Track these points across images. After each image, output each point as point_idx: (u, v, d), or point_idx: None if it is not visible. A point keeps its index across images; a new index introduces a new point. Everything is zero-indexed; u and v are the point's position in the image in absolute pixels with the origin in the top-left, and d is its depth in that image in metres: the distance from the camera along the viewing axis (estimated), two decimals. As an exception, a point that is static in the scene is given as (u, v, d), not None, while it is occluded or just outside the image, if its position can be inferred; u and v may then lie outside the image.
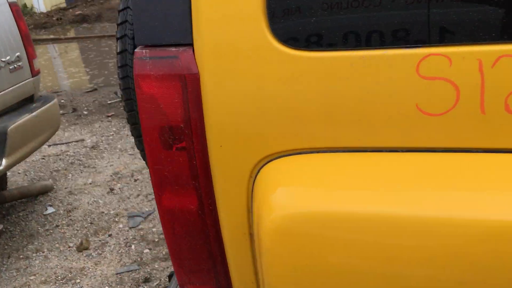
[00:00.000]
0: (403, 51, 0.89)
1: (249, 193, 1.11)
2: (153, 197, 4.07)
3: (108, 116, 5.93)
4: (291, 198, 0.98)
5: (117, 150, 5.01)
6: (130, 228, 3.70)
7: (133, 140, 5.18)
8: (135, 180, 4.37)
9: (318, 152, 1.01)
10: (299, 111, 0.99)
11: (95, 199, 4.14)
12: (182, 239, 1.22)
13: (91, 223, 3.82)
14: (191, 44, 1.06)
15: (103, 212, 3.94)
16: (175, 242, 1.23)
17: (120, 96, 1.84)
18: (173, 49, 1.07)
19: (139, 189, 4.23)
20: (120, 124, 5.66)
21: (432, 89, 0.90)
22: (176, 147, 1.12)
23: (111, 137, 5.34)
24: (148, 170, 4.51)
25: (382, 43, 0.91)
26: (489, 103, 0.88)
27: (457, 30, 0.87)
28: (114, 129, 5.55)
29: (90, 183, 4.41)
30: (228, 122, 1.05)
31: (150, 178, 4.48)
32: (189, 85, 1.06)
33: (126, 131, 5.44)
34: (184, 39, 1.06)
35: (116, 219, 3.84)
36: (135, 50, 1.10)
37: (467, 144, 0.91)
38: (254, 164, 1.07)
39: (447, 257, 0.84)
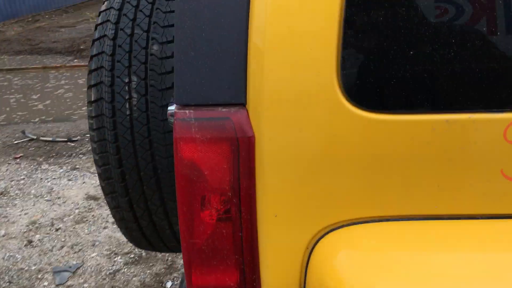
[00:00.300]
0: (491, 116, 0.86)
1: (303, 266, 1.00)
2: (81, 248, 3.74)
3: (16, 158, 5.40)
4: (368, 277, 0.89)
5: (31, 196, 4.55)
6: (57, 285, 3.34)
7: (49, 184, 4.76)
8: (57, 230, 3.99)
9: (389, 220, 0.94)
10: (372, 176, 0.92)
11: (11, 254, 3.70)
12: (215, 320, 1.08)
13: (9, 282, 3.39)
14: (242, 104, 0.95)
15: (22, 269, 3.52)
16: (205, 323, 1.08)
17: (93, 150, 1.62)
18: (223, 109, 0.95)
19: (63, 239, 3.86)
20: (32, 166, 5.18)
21: (518, 154, 0.88)
22: (220, 217, 0.99)
23: (22, 182, 4.86)
24: (71, 217, 4.15)
25: (469, 107, 0.87)
26: None
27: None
28: (24, 172, 5.06)
29: (3, 236, 3.94)
30: (288, 188, 0.95)
31: (74, 225, 4.11)
32: (242, 149, 0.95)
33: (40, 174, 4.99)
34: (236, 98, 0.95)
35: (39, 276, 3.45)
36: (175, 111, 0.97)
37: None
38: (313, 234, 0.97)
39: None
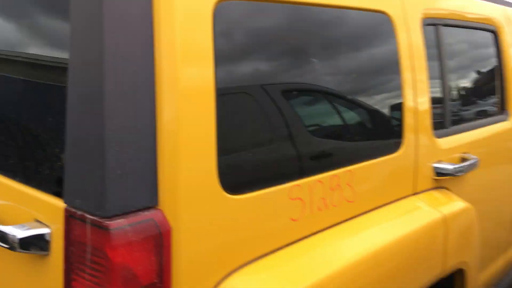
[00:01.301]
0: (283, 186, 1.49)
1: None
2: None
3: None
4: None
5: None
6: None
7: None
8: None
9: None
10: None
11: None
12: None
13: None
14: (156, 205, 1.22)
15: None
16: None
17: None
18: (146, 212, 1.19)
19: None
20: None
21: (294, 205, 1.53)
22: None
23: None
24: None
25: (274, 182, 1.47)
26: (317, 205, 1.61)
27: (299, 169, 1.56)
28: None
29: None
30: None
31: None
32: (164, 240, 1.20)
33: None
34: (152, 202, 1.21)
35: None
36: (107, 222, 1.12)
37: (311, 230, 1.60)
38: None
39: None
